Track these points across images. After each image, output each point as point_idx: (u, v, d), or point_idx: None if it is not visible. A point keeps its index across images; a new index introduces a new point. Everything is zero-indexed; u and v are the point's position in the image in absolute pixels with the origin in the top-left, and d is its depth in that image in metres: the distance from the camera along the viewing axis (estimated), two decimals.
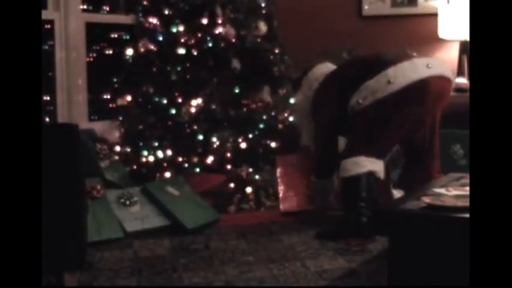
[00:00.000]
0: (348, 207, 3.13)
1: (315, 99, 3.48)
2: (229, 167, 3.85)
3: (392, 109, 3.12)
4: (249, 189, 3.76)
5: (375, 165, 3.13)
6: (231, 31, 3.93)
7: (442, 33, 4.46)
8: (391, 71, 3.12)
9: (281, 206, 3.62)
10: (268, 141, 3.96)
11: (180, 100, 3.92)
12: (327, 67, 3.58)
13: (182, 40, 3.93)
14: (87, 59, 4.63)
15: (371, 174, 3.12)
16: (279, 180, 3.70)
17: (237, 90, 3.99)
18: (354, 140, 3.24)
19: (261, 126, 3.99)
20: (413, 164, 3.34)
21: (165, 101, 3.95)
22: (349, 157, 3.15)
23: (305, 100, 3.55)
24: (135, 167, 3.94)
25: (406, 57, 3.19)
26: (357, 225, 3.02)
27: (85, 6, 4.64)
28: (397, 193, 3.82)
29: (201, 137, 3.88)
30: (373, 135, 3.17)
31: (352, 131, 3.26)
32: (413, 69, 3.13)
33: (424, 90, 3.13)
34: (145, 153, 3.91)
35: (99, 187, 3.37)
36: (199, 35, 3.94)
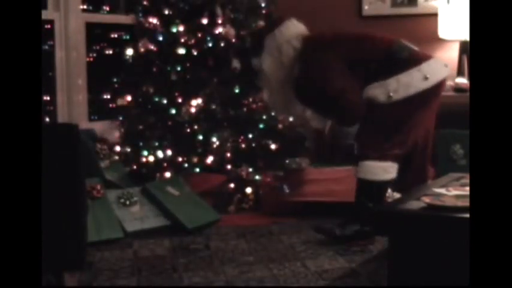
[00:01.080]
0: (362, 209, 3.03)
1: (308, 69, 3.15)
2: (229, 167, 3.85)
3: (421, 106, 3.06)
4: (249, 189, 3.76)
5: (395, 170, 3.05)
6: (231, 31, 3.93)
7: (442, 33, 4.46)
8: (425, 67, 3.03)
9: None
10: (268, 141, 3.96)
11: (180, 100, 3.92)
12: (296, 27, 3.29)
13: (182, 40, 3.93)
14: (87, 59, 4.63)
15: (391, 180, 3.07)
16: None
17: (237, 90, 3.99)
18: (375, 134, 3.05)
19: (261, 126, 3.99)
20: (410, 166, 3.23)
21: (165, 101, 3.95)
22: (371, 156, 3.02)
23: (277, 65, 3.19)
24: (135, 167, 3.94)
25: (427, 55, 3.15)
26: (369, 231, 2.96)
27: (85, 6, 4.64)
28: (395, 194, 3.83)
29: (201, 137, 3.88)
30: (399, 132, 3.04)
31: (370, 123, 3.07)
32: (441, 67, 3.12)
33: (442, 88, 3.15)
34: (145, 153, 3.91)
35: (99, 187, 3.37)
36: (199, 35, 3.94)
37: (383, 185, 3.05)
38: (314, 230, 3.12)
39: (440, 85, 3.10)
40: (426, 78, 3.00)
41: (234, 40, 3.94)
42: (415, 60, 3.05)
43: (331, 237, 3.04)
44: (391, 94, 3.00)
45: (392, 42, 3.14)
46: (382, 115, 3.05)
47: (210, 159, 3.86)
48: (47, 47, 4.48)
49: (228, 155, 3.87)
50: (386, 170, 3.02)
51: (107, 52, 5.46)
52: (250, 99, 3.98)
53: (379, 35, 3.21)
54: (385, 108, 3.03)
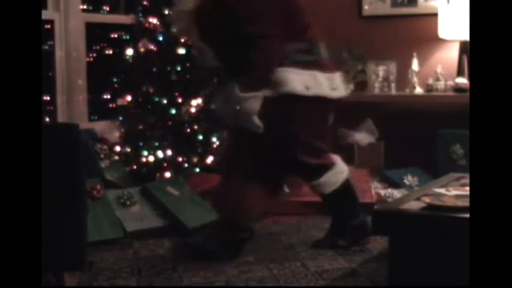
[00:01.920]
0: (345, 213, 2.99)
1: None
2: None
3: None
4: None
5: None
6: None
7: (442, 33, 4.46)
8: (334, 77, 2.96)
9: None
10: None
11: (180, 100, 3.92)
12: None
13: (182, 40, 3.93)
14: (87, 59, 4.63)
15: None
16: None
17: None
18: (317, 133, 2.91)
19: None
20: None
21: (165, 101, 3.94)
22: (321, 161, 2.91)
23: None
24: (135, 167, 3.94)
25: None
26: (363, 225, 2.95)
27: (85, 6, 4.64)
28: (396, 194, 3.83)
29: (201, 137, 3.88)
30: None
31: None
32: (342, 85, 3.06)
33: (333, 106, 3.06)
34: (145, 153, 3.92)
35: (99, 187, 3.37)
36: None
37: (348, 184, 3.01)
38: (314, 245, 3.02)
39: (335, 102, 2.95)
40: (334, 89, 2.90)
41: None
42: (324, 66, 2.91)
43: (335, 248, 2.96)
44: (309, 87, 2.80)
45: (316, 39, 2.96)
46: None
47: (210, 159, 3.86)
48: (47, 47, 4.48)
49: None
50: (342, 171, 2.98)
51: (107, 52, 5.46)
52: None
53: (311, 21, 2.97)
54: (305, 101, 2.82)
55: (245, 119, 2.74)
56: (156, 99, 3.97)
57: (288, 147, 2.87)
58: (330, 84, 2.89)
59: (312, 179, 2.95)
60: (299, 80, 2.78)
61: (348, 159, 4.40)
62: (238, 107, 2.72)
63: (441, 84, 4.43)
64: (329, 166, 2.94)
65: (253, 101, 2.72)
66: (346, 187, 2.99)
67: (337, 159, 3.03)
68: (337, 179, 2.95)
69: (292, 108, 2.80)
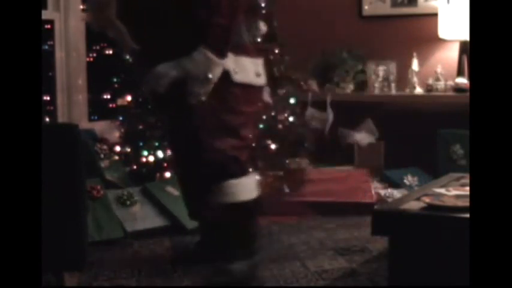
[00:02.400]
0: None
1: None
2: None
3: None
4: None
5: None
6: None
7: (442, 33, 4.46)
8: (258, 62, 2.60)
9: None
10: (268, 142, 3.96)
11: None
12: None
13: None
14: (87, 59, 4.63)
15: None
16: None
17: None
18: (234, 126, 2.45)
19: (261, 126, 3.99)
20: None
21: None
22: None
23: None
24: (135, 167, 3.93)
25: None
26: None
27: (85, 6, 4.63)
28: (397, 193, 3.84)
29: None
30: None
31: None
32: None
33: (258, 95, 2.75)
34: (145, 153, 3.91)
35: (99, 187, 3.37)
36: None
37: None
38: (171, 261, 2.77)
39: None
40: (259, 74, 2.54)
41: None
42: (248, 50, 2.53)
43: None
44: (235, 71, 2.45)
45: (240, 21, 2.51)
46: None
47: None
48: (47, 47, 4.48)
49: None
50: (250, 183, 2.49)
51: (106, 52, 5.46)
52: None
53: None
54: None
55: (207, 84, 2.33)
56: None
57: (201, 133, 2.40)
58: (255, 70, 2.52)
59: (220, 179, 2.39)
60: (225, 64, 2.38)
61: (348, 159, 4.43)
62: (209, 74, 2.31)
63: (441, 84, 4.43)
64: (245, 168, 2.47)
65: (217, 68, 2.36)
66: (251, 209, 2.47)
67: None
68: (250, 190, 2.46)
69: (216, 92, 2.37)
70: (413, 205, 2.26)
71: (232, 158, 2.41)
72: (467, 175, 2.62)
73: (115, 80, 4.34)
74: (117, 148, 4.00)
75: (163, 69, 2.35)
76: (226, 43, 2.37)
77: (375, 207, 2.87)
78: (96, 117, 4.75)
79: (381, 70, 4.57)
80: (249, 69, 2.49)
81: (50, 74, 4.46)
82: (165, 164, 3.86)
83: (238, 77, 2.43)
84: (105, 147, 3.91)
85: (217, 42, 2.35)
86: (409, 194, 2.71)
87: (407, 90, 4.53)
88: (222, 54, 2.36)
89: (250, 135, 2.53)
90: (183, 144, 2.51)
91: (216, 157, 2.39)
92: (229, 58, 2.40)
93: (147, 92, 2.78)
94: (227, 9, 2.34)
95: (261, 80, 2.56)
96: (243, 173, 2.43)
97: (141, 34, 2.50)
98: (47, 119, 4.49)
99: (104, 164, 3.79)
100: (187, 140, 2.46)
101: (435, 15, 4.49)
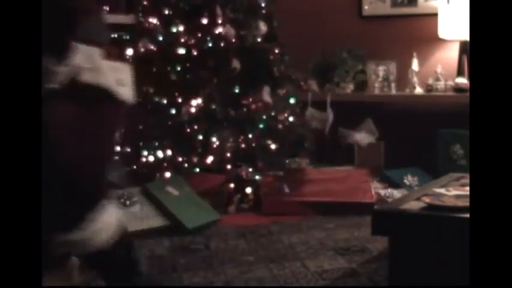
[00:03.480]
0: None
1: None
2: (229, 167, 3.85)
3: None
4: (249, 189, 3.76)
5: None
6: (231, 31, 3.93)
7: (442, 33, 4.46)
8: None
9: None
10: (268, 141, 3.96)
11: (180, 100, 3.92)
12: None
13: (182, 40, 3.93)
14: None
15: None
16: None
17: (237, 90, 3.99)
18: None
19: (261, 126, 3.99)
20: None
21: (165, 101, 3.94)
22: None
23: None
24: (135, 167, 3.94)
25: None
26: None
27: None
28: (397, 193, 3.84)
29: (201, 137, 3.88)
30: None
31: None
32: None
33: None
34: (145, 153, 3.92)
35: None
36: (199, 35, 3.94)
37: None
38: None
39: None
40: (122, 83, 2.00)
41: (234, 40, 3.94)
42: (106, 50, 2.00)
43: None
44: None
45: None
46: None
47: (210, 159, 3.86)
48: None
49: (228, 155, 3.87)
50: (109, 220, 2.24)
51: None
52: (250, 99, 3.98)
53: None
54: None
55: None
56: (156, 99, 3.97)
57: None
58: (116, 76, 1.98)
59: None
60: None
61: (348, 159, 4.43)
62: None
63: (441, 84, 4.43)
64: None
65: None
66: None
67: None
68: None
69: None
70: (413, 205, 2.26)
71: None
72: (467, 175, 2.62)
73: None
74: (117, 148, 4.00)
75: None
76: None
77: (375, 207, 2.87)
78: None
79: (381, 70, 4.57)
80: (106, 74, 1.95)
81: None
82: (165, 164, 3.87)
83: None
84: None
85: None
86: (409, 194, 2.72)
87: (407, 90, 4.53)
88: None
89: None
90: None
91: None
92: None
93: None
94: None
95: (126, 91, 2.01)
96: None
97: None
98: None
99: None
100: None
101: (435, 15, 4.49)
